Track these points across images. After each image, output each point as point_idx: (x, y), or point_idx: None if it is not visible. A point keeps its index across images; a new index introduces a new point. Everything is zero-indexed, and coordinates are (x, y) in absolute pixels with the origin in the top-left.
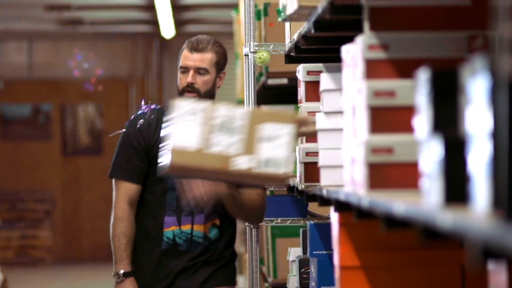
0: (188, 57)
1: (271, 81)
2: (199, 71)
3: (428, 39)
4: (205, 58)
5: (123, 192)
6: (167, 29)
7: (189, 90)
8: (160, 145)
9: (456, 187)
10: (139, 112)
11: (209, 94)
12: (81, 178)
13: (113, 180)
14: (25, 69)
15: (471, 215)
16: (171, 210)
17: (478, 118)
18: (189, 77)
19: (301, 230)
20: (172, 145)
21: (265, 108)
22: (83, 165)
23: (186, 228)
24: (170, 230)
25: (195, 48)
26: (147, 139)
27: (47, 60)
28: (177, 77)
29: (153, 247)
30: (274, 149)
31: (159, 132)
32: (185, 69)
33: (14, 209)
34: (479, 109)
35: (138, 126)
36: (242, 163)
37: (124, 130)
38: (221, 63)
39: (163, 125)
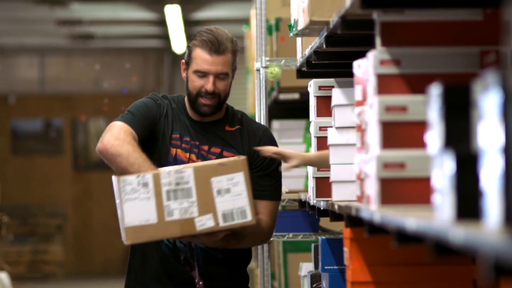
0: (207, 60)
1: (282, 96)
2: (219, 76)
3: (440, 55)
4: (226, 61)
5: (125, 129)
6: (179, 44)
7: (209, 97)
8: (170, 131)
9: (468, 203)
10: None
11: (226, 98)
12: (93, 193)
13: (114, 126)
14: (37, 83)
15: (483, 230)
16: None
17: (490, 134)
18: (209, 84)
19: (312, 245)
20: (126, 224)
21: (209, 161)
22: (94, 179)
23: None
24: None
25: (216, 51)
26: (160, 118)
27: (58, 75)
28: (186, 77)
29: (151, 251)
30: (233, 200)
31: (171, 119)
32: (204, 74)
33: (25, 223)
34: (491, 125)
35: (158, 102)
36: (207, 222)
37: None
38: (235, 62)
39: (175, 111)
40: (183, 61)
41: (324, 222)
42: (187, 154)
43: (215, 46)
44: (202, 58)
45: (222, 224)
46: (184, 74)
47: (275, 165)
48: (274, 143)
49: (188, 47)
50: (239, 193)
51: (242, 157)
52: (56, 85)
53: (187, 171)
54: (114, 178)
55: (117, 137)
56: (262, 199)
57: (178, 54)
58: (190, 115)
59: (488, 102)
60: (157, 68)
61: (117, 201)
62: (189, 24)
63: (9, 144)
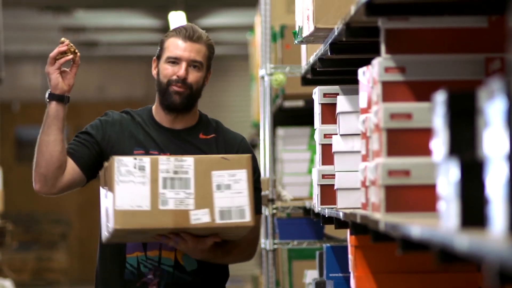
0: (180, 47)
1: (287, 103)
2: (193, 64)
3: (445, 62)
4: (200, 50)
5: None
6: None
7: (180, 85)
8: (129, 147)
9: (473, 210)
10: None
11: (198, 94)
12: (97, 200)
13: None
14: (41, 91)
15: (487, 238)
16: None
17: (495, 141)
18: (181, 70)
19: (317, 252)
20: (116, 207)
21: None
22: (99, 187)
23: (153, 254)
24: (133, 256)
25: (190, 37)
26: (109, 136)
27: None
28: (157, 72)
29: (115, 277)
30: (233, 197)
31: (130, 133)
32: (176, 60)
33: (29, 231)
34: (496, 132)
35: (102, 120)
36: (203, 217)
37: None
38: (211, 60)
39: (138, 125)
40: (154, 58)
41: (329, 229)
42: None
43: (189, 33)
44: (175, 44)
45: (218, 221)
46: (154, 71)
47: (257, 175)
48: (251, 152)
49: (160, 41)
50: (239, 191)
51: (247, 155)
52: None
53: (188, 160)
54: (105, 165)
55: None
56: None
57: None
58: (160, 121)
59: (493, 109)
60: None
61: (105, 188)
62: None
63: (14, 151)
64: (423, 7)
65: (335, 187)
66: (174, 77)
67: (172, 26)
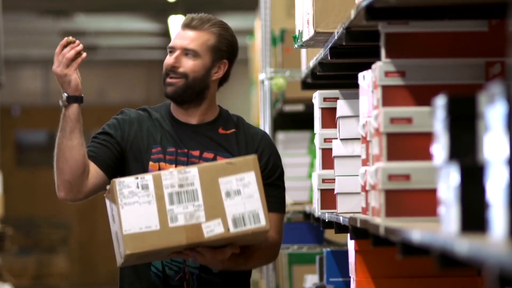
0: (177, 34)
1: (287, 107)
2: (186, 52)
3: (445, 66)
4: (197, 38)
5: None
6: None
7: (172, 75)
8: (148, 145)
9: (474, 215)
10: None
11: (201, 83)
12: (97, 205)
13: None
14: (41, 95)
15: (487, 242)
16: None
17: (495, 145)
18: (171, 58)
19: (317, 257)
20: (124, 231)
21: (215, 161)
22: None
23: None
24: None
25: (187, 24)
26: (126, 132)
27: None
28: None
29: (140, 280)
30: (244, 203)
31: (148, 130)
32: (172, 49)
33: (29, 235)
34: (497, 136)
35: (119, 119)
36: (216, 228)
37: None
38: (221, 50)
39: (156, 122)
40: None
41: (329, 234)
42: (173, 166)
43: (188, 21)
44: (176, 32)
45: (232, 230)
46: None
47: (279, 172)
48: (273, 149)
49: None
50: (250, 194)
51: (252, 156)
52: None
53: (192, 171)
54: (108, 188)
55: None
56: (271, 211)
57: None
58: (178, 117)
59: (493, 113)
60: (161, 79)
61: (112, 212)
62: None
63: (14, 156)
64: (423, 11)
65: (335, 192)
66: (168, 67)
67: (172, 30)
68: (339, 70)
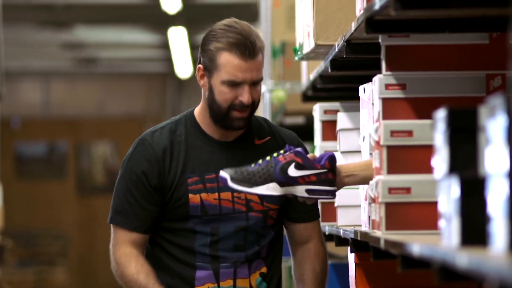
0: (240, 67)
1: (287, 120)
2: (254, 83)
3: (446, 78)
4: (260, 64)
5: (123, 240)
6: (183, 68)
7: (244, 109)
8: (182, 176)
9: (474, 228)
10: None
11: (258, 105)
12: (97, 216)
13: (111, 227)
14: (40, 107)
15: (488, 255)
16: (204, 261)
17: (496, 158)
18: (245, 95)
19: None
20: None
21: None
22: (98, 203)
23: (227, 284)
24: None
25: (250, 55)
26: (161, 172)
27: (62, 98)
28: (208, 86)
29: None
30: None
31: (180, 157)
32: (237, 83)
33: (29, 247)
34: (497, 149)
35: (147, 154)
36: None
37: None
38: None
39: (183, 143)
40: (200, 66)
41: (330, 246)
42: (216, 195)
43: (248, 50)
44: (234, 65)
45: None
46: (202, 82)
47: None
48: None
49: (208, 50)
50: None
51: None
52: (60, 109)
53: None
54: None
55: (116, 261)
56: (312, 221)
57: (182, 78)
58: (210, 133)
59: (494, 126)
60: (161, 92)
61: None
62: (195, 47)
63: (13, 168)
64: (424, 23)
65: (336, 204)
66: (237, 102)
67: (172, 43)
68: (339, 82)
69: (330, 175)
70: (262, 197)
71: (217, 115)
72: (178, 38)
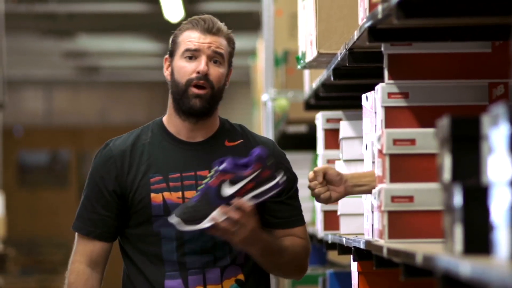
0: (199, 37)
1: (290, 128)
2: (214, 58)
3: (449, 87)
4: (221, 44)
5: (81, 250)
6: None
7: (202, 83)
8: (144, 177)
9: (477, 236)
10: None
11: (220, 96)
12: None
13: (75, 234)
14: (43, 116)
15: (491, 263)
16: (173, 269)
17: (499, 167)
18: (202, 64)
19: (320, 278)
20: None
21: None
22: None
23: None
24: None
25: (209, 30)
26: (119, 174)
27: (65, 107)
28: (170, 72)
29: None
30: None
31: (142, 159)
32: (194, 54)
33: (32, 256)
34: (500, 158)
35: (106, 157)
36: None
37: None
38: (232, 56)
39: (147, 146)
40: (166, 56)
41: (332, 255)
42: (179, 193)
43: (208, 25)
44: (193, 36)
45: None
46: (167, 72)
47: (295, 184)
48: (285, 159)
49: (173, 36)
50: None
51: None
52: (63, 117)
53: None
54: None
55: (67, 275)
56: (293, 227)
57: None
58: (176, 133)
59: (497, 135)
60: (163, 100)
61: None
62: None
63: (16, 176)
64: (427, 32)
65: (338, 213)
66: (194, 75)
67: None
68: (342, 91)
69: (265, 173)
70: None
71: (177, 98)
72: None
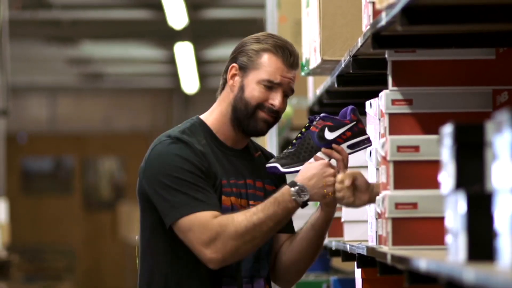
0: (282, 70)
1: (294, 135)
2: (288, 93)
3: (453, 94)
4: (295, 78)
5: (207, 216)
6: (189, 83)
7: (272, 114)
8: (217, 182)
9: (481, 243)
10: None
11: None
12: (104, 232)
13: (178, 225)
14: (47, 122)
15: (495, 270)
16: (229, 276)
17: (502, 174)
18: (278, 99)
19: (324, 285)
20: None
21: None
22: (105, 218)
23: None
24: None
25: (293, 64)
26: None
27: (69, 113)
28: (239, 85)
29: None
30: None
31: (212, 164)
32: (274, 86)
33: (35, 263)
34: (504, 165)
35: (193, 150)
36: None
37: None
38: None
39: (207, 148)
40: (235, 65)
41: (336, 262)
42: (239, 200)
43: (292, 58)
44: (277, 67)
45: None
46: (232, 82)
47: None
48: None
49: (249, 50)
50: None
51: None
52: (66, 124)
53: None
54: None
55: (220, 230)
56: (293, 233)
57: (189, 93)
58: (224, 140)
59: (501, 142)
60: (167, 107)
61: None
62: (201, 63)
63: (19, 183)
64: (430, 39)
65: (342, 220)
66: (267, 105)
67: (179, 58)
68: (346, 98)
69: (360, 125)
70: None
71: (241, 115)
72: (185, 54)
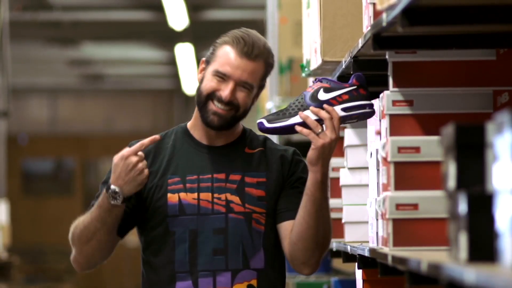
0: (232, 62)
1: (295, 136)
2: (242, 84)
3: (453, 95)
4: (256, 71)
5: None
6: (190, 85)
7: (223, 105)
8: (162, 177)
9: (482, 244)
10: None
11: (244, 115)
12: None
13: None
14: (48, 124)
15: (496, 271)
16: (184, 271)
17: (503, 174)
18: (226, 91)
19: (325, 286)
20: None
21: None
22: None
23: None
24: None
25: (247, 54)
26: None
27: (69, 115)
28: (201, 77)
29: None
30: None
31: (163, 161)
32: (224, 77)
33: (36, 264)
34: (505, 165)
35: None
36: None
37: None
38: (266, 78)
39: (169, 149)
40: (203, 59)
41: (337, 263)
42: (195, 195)
43: (248, 48)
44: (228, 58)
45: None
46: (200, 75)
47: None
48: (306, 167)
49: (215, 43)
50: None
51: None
52: (67, 125)
53: None
54: None
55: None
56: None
57: (189, 94)
58: (198, 138)
59: (501, 142)
60: (168, 108)
61: None
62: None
63: (20, 184)
64: (431, 40)
65: (343, 221)
66: (217, 94)
67: (179, 59)
68: None
69: (362, 91)
70: (300, 124)
71: (198, 104)
72: (185, 55)
